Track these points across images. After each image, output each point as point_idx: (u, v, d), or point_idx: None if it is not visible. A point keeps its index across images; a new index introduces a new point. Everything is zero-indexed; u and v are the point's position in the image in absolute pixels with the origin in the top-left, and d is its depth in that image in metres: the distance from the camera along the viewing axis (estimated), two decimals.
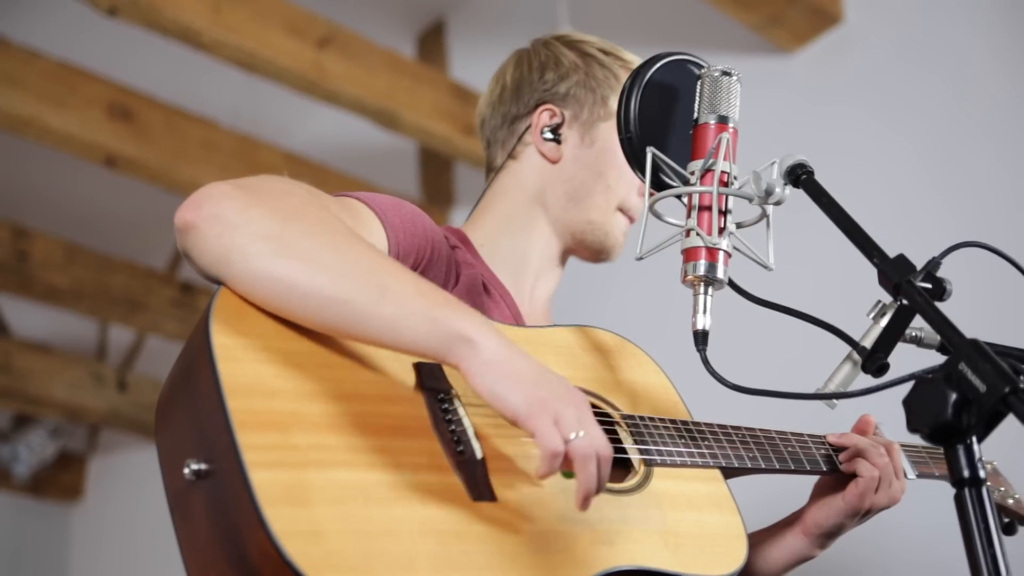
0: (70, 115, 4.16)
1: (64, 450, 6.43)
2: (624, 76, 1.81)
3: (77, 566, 6.54)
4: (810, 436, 1.68)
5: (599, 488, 1.26)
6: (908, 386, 1.23)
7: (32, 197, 5.52)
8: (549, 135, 1.82)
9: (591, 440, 1.24)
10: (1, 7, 4.48)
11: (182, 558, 1.26)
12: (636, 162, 1.59)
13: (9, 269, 4.86)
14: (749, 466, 1.57)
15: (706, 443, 1.55)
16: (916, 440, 1.57)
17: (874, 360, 1.42)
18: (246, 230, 1.28)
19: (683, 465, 1.51)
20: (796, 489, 1.72)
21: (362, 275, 1.27)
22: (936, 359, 1.29)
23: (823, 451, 1.67)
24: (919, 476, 1.76)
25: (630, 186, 1.83)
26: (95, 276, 5.10)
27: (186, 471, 1.21)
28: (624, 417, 1.52)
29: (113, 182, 4.95)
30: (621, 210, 1.83)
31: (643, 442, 1.49)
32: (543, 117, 1.83)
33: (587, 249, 1.85)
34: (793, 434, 1.66)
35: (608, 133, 1.81)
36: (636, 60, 1.88)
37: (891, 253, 1.37)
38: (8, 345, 5.66)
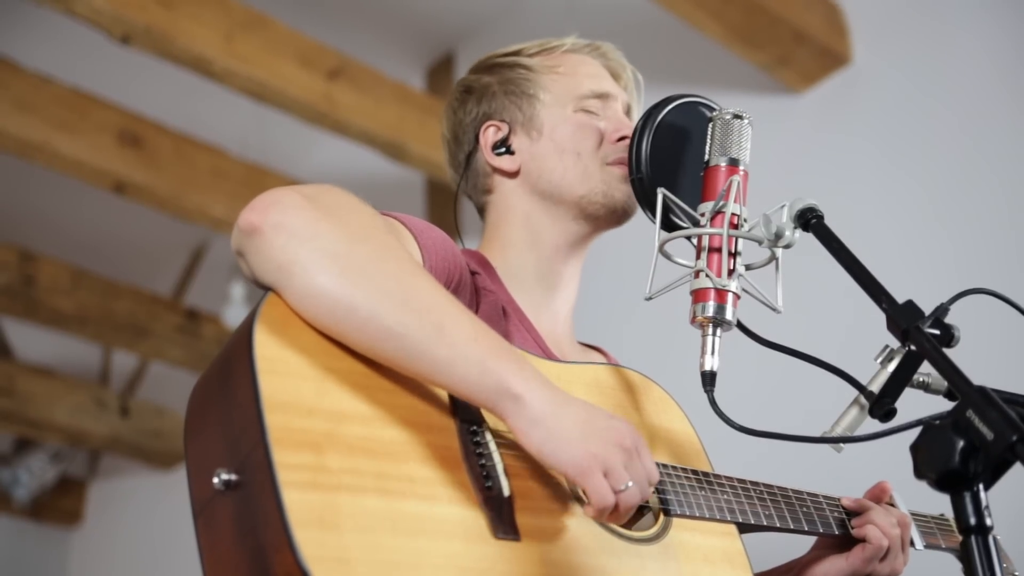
0: (80, 141, 4.18)
1: (64, 475, 6.42)
2: (529, 62, 1.82)
3: None
4: (825, 498, 1.67)
5: None
6: (915, 432, 1.23)
7: (40, 222, 5.54)
8: (502, 150, 1.79)
9: (639, 489, 1.29)
10: (15, 33, 4.51)
11: (201, 565, 1.25)
12: (647, 202, 1.59)
13: (15, 293, 4.88)
14: (765, 524, 1.57)
15: (725, 497, 1.54)
16: (926, 506, 1.56)
17: (881, 405, 1.41)
18: (313, 245, 1.26)
19: (700, 518, 1.50)
20: (797, 537, 1.71)
21: (422, 311, 1.27)
22: (943, 405, 1.29)
23: (836, 514, 1.66)
24: (926, 547, 1.75)
25: (597, 142, 1.76)
26: (100, 301, 5.10)
27: (216, 480, 1.20)
28: None
29: (121, 208, 4.97)
30: (609, 165, 1.76)
31: (664, 491, 1.49)
32: (488, 134, 1.80)
33: (599, 220, 1.77)
34: (809, 494, 1.66)
35: (548, 115, 1.78)
36: (550, 41, 1.85)
37: (898, 295, 1.37)
38: (11, 368, 5.66)
